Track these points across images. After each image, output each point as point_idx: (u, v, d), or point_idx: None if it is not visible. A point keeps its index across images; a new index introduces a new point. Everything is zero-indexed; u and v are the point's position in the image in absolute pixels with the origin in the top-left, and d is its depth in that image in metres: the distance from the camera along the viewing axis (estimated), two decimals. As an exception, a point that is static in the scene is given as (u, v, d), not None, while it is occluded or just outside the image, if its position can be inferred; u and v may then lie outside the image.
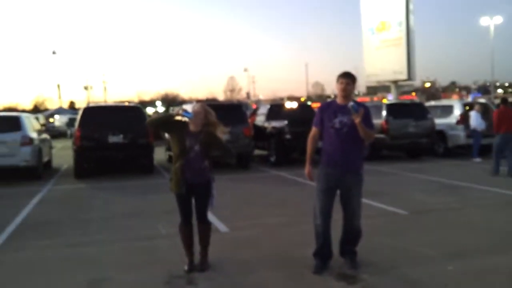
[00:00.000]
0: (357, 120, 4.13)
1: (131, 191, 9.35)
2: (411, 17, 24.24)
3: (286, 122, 12.84)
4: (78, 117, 11.57)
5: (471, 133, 13.72)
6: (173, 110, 18.09)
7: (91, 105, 13.68)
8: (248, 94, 75.24)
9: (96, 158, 11.30)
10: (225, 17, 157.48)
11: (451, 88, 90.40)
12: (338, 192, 4.42)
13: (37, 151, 10.98)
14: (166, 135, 4.03)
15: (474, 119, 13.69)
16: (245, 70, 73.83)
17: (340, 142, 4.29)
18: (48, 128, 20.86)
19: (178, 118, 4.37)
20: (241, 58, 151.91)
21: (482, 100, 17.93)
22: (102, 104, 19.75)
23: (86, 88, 63.78)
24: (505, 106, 10.77)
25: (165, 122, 4.53)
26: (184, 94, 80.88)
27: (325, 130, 4.38)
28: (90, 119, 11.18)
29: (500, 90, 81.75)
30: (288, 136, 12.61)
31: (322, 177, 4.39)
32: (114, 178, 11.15)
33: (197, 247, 4.53)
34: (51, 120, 38.76)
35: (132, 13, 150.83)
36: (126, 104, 18.39)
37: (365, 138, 4.28)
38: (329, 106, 4.48)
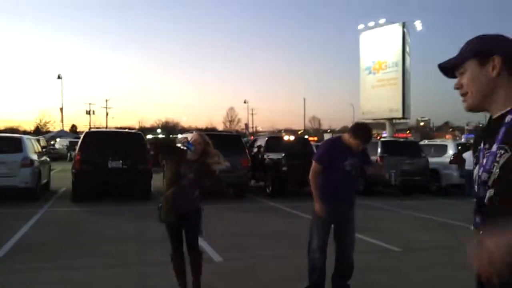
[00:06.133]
0: (377, 169, 4.86)
1: (128, 216, 9.38)
2: (407, 58, 24.90)
3: (283, 154, 13.00)
4: (80, 141, 11.73)
5: (466, 173, 13.84)
6: (177, 138, 18.32)
7: (92, 129, 13.83)
8: (246, 126, 75.73)
9: (95, 182, 11.39)
10: (229, 49, 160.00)
11: (444, 128, 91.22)
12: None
13: (36, 173, 11.06)
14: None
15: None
16: (245, 102, 74.54)
17: (347, 181, 4.51)
18: (48, 150, 20.92)
19: (180, 146, 4.44)
20: (242, 90, 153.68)
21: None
22: (103, 129, 19.87)
23: (88, 112, 64.52)
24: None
25: (168, 145, 4.54)
26: (185, 123, 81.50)
27: (331, 168, 4.43)
28: (91, 144, 11.34)
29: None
30: (284, 168, 12.75)
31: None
32: (111, 202, 11.18)
33: (190, 276, 4.52)
34: (52, 142, 38.77)
35: (135, 42, 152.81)
36: (127, 130, 18.58)
37: (381, 172, 4.79)
38: (335, 145, 4.55)
